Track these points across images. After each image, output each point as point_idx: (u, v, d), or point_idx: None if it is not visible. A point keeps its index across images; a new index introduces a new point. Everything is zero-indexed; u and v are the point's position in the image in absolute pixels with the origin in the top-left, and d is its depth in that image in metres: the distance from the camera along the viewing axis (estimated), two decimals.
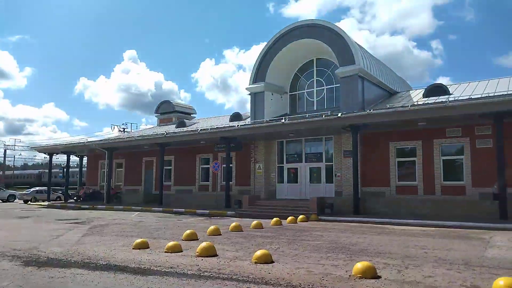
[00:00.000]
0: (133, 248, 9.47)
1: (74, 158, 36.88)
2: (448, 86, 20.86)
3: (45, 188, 35.64)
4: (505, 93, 16.57)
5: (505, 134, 15.15)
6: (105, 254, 8.85)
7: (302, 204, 19.17)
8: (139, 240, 9.80)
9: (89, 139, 31.75)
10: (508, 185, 14.99)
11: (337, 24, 21.59)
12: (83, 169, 37.04)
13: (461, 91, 19.93)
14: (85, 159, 35.88)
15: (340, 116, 18.06)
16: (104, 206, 25.64)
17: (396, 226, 14.17)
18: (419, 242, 10.39)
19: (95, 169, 33.45)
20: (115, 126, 39.82)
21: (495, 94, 16.73)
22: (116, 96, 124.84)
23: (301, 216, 16.64)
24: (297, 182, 22.24)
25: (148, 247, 9.57)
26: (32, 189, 36.62)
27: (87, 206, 26.15)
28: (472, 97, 16.99)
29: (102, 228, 14.40)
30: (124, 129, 39.85)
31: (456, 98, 17.75)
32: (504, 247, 9.47)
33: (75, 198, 31.91)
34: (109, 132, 44.48)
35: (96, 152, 31.30)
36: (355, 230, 13.14)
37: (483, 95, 16.80)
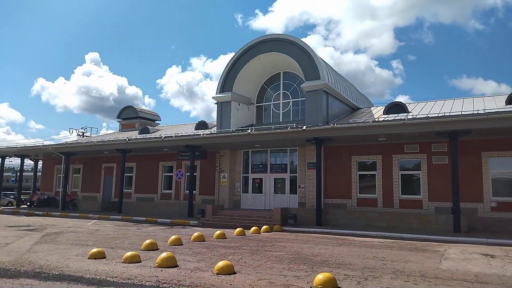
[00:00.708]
0: (88, 258, 9.08)
1: (28, 162, 35.02)
2: (407, 104, 21.79)
3: None
4: (460, 113, 17.53)
5: (459, 151, 16.01)
6: (58, 264, 8.41)
7: (266, 214, 19.19)
8: (95, 250, 9.40)
9: (45, 143, 30.27)
10: (461, 200, 15.78)
11: (303, 39, 22.08)
12: (38, 173, 35.26)
13: (419, 109, 20.88)
14: (40, 163, 34.16)
15: (304, 129, 18.37)
16: (59, 213, 24.45)
17: (356, 238, 14.48)
18: (378, 254, 10.66)
19: (50, 174, 31.91)
20: (74, 130, 38.37)
21: (451, 113, 17.66)
22: (75, 99, 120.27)
23: (264, 227, 16.64)
24: (261, 193, 22.27)
25: (105, 257, 9.20)
26: None
27: (41, 213, 24.85)
28: (429, 115, 17.82)
29: (56, 236, 13.70)
30: (83, 133, 38.35)
31: (414, 116, 18.57)
32: (457, 259, 9.90)
33: (28, 203, 30.24)
34: (67, 136, 42.77)
35: (52, 156, 29.93)
36: (317, 241, 13.29)
37: (439, 114, 17.68)
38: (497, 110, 16.52)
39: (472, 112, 16.94)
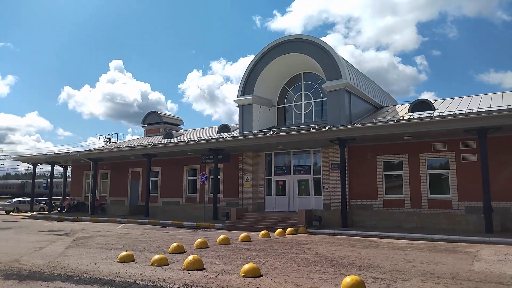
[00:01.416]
0: (118, 261, 9.28)
1: (58, 168, 36.14)
2: (433, 102, 21.26)
3: (28, 198, 34.81)
4: (488, 109, 16.95)
5: (489, 148, 15.47)
6: (89, 267, 8.63)
7: (291, 216, 19.10)
8: (124, 253, 9.60)
9: (74, 149, 31.29)
10: (493, 199, 15.24)
11: (323, 38, 22.00)
12: (68, 179, 36.36)
13: (446, 106, 20.33)
14: (69, 169, 35.24)
15: (327, 130, 18.19)
16: (89, 218, 25.12)
17: (384, 239, 14.20)
18: (407, 255, 10.42)
19: (79, 179, 32.87)
20: (101, 136, 39.42)
21: (479, 110, 17.10)
22: (101, 106, 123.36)
23: (289, 229, 16.57)
24: (285, 195, 22.20)
25: (134, 260, 9.38)
26: (14, 200, 35.67)
27: (71, 218, 25.61)
28: (457, 112, 17.32)
29: (86, 240, 14.08)
30: (110, 139, 39.38)
31: (441, 113, 18.08)
32: (490, 261, 9.56)
33: (59, 209, 31.23)
34: (94, 142, 43.91)
35: (81, 163, 30.81)
36: (343, 243, 13.12)
37: (467, 111, 17.14)
38: None
39: (501, 108, 16.34)
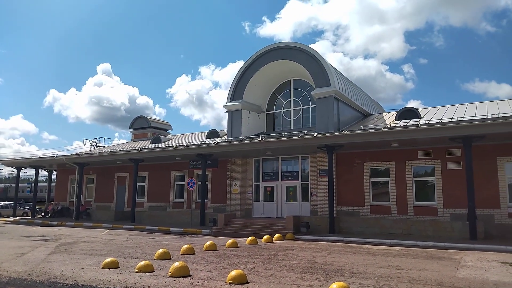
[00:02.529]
0: (102, 268, 9.13)
1: (43, 173, 35.59)
2: (419, 110, 21.58)
3: (11, 203, 34.08)
4: (473, 117, 17.28)
5: (474, 156, 15.74)
6: (72, 274, 8.47)
7: (278, 222, 19.09)
8: (108, 259, 9.45)
9: (59, 153, 30.90)
10: (477, 206, 15.48)
11: (312, 46, 22.25)
12: (52, 184, 35.76)
13: (432, 114, 20.65)
14: (54, 174, 34.68)
15: (315, 136, 18.29)
16: (73, 223, 24.71)
17: (370, 246, 14.28)
18: (393, 262, 10.49)
19: (64, 184, 32.34)
20: (87, 140, 38.86)
21: (464, 118, 17.42)
22: (87, 110, 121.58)
23: (277, 235, 16.54)
24: (273, 201, 22.19)
25: (118, 267, 9.24)
26: None
27: (55, 223, 25.15)
28: (442, 121, 17.61)
29: (70, 246, 13.83)
30: (96, 143, 38.92)
31: (427, 122, 18.36)
32: (474, 267, 9.68)
33: (43, 214, 30.69)
34: (80, 146, 43.41)
35: (66, 167, 30.37)
36: (330, 250, 13.15)
37: (452, 119, 17.45)
38: (511, 114, 16.23)
39: (486, 117, 16.67)
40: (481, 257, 11.45)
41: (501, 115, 15.98)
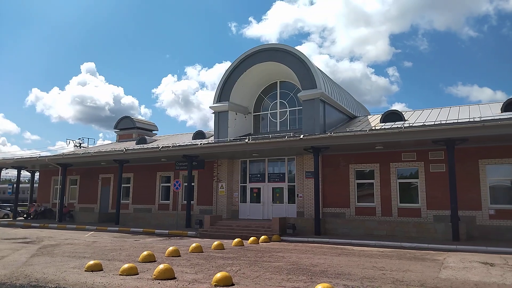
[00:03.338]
0: (85, 270, 8.99)
1: (25, 173, 34.82)
2: (403, 113, 21.89)
3: None
4: (456, 121, 17.61)
5: (456, 159, 16.05)
6: (54, 277, 8.31)
7: (265, 224, 19.09)
8: (92, 262, 9.31)
9: (42, 154, 30.24)
10: (459, 208, 15.78)
11: (298, 47, 22.33)
12: (35, 185, 35.05)
13: (416, 117, 20.98)
14: (37, 175, 34.00)
15: (302, 138, 18.39)
16: (56, 225, 24.27)
17: (355, 247, 14.40)
18: (377, 263, 10.60)
19: (47, 185, 31.74)
20: (71, 141, 38.18)
21: (447, 121, 17.74)
22: (70, 109, 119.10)
23: (263, 237, 16.55)
24: (259, 202, 22.20)
25: (102, 269, 9.11)
26: None
27: (37, 225, 24.67)
28: (426, 123, 17.90)
29: (53, 248, 13.57)
30: (80, 144, 38.27)
31: (410, 124, 18.64)
32: (456, 268, 9.85)
33: (25, 215, 30.04)
34: (63, 147, 42.64)
35: (49, 168, 29.83)
36: (316, 251, 13.21)
37: (435, 122, 17.75)
38: (492, 117, 16.62)
39: (468, 120, 17.02)
40: (463, 258, 11.67)
41: (483, 119, 16.33)
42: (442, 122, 17.58)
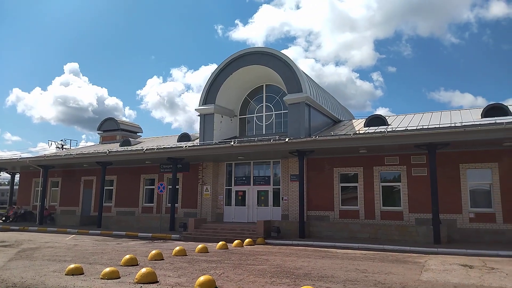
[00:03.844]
0: (66, 274, 8.82)
1: (5, 175, 33.99)
2: (386, 117, 22.22)
3: None
4: (438, 125, 17.95)
5: (438, 163, 16.36)
6: (33, 281, 8.13)
7: (249, 227, 19.07)
8: (72, 266, 9.14)
9: (23, 155, 29.59)
10: (440, 211, 16.07)
11: (284, 51, 22.54)
12: (15, 187, 34.24)
13: (399, 122, 21.31)
14: (17, 176, 33.22)
15: (287, 141, 18.48)
16: (37, 228, 23.75)
17: (339, 250, 14.51)
18: (360, 265, 10.70)
19: (28, 187, 31.04)
20: (53, 142, 37.46)
21: (429, 126, 18.08)
22: (52, 110, 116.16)
23: (247, 240, 16.52)
24: (245, 205, 22.17)
25: (83, 273, 8.95)
26: None
27: (17, 228, 24.08)
28: (408, 128, 18.21)
29: (32, 251, 13.27)
30: (62, 145, 37.56)
31: (393, 129, 18.93)
32: (437, 270, 10.02)
33: (3, 218, 29.27)
34: (45, 148, 41.84)
35: (30, 169, 29.21)
36: (300, 254, 13.26)
37: (418, 127, 18.07)
38: (473, 123, 17.01)
39: (449, 125, 17.38)
40: (444, 260, 11.88)
41: (464, 124, 16.69)
42: (424, 127, 17.91)
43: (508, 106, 18.98)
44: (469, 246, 14.57)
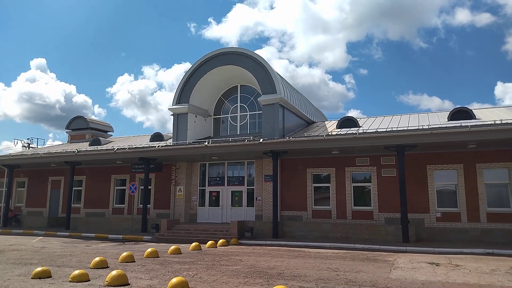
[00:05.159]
0: (32, 278, 8.51)
1: None
2: (358, 119, 22.70)
3: None
4: (406, 128, 18.51)
5: (406, 164, 16.89)
6: None
7: (223, 228, 19.02)
8: (39, 269, 8.83)
9: None
10: (409, 211, 16.60)
11: (258, 51, 22.83)
12: None
13: (370, 124, 21.82)
14: None
15: (261, 142, 18.57)
16: (0, 230, 22.78)
17: (311, 249, 14.71)
18: (332, 264, 10.89)
19: None
20: (19, 141, 35.96)
21: (398, 128, 18.62)
22: (17, 107, 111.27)
23: (221, 240, 16.47)
24: (218, 206, 22.08)
25: (51, 276, 8.67)
26: None
27: None
28: (378, 130, 18.69)
29: None
30: (29, 144, 36.15)
31: (364, 131, 19.38)
32: (406, 268, 10.34)
33: None
34: (10, 147, 40.19)
35: None
36: (273, 254, 13.35)
37: (387, 129, 18.57)
38: (440, 125, 17.66)
39: (417, 128, 17.97)
40: (412, 258, 12.27)
41: (431, 127, 17.31)
42: (394, 129, 18.43)
43: (473, 110, 19.79)
44: (436, 244, 15.12)
